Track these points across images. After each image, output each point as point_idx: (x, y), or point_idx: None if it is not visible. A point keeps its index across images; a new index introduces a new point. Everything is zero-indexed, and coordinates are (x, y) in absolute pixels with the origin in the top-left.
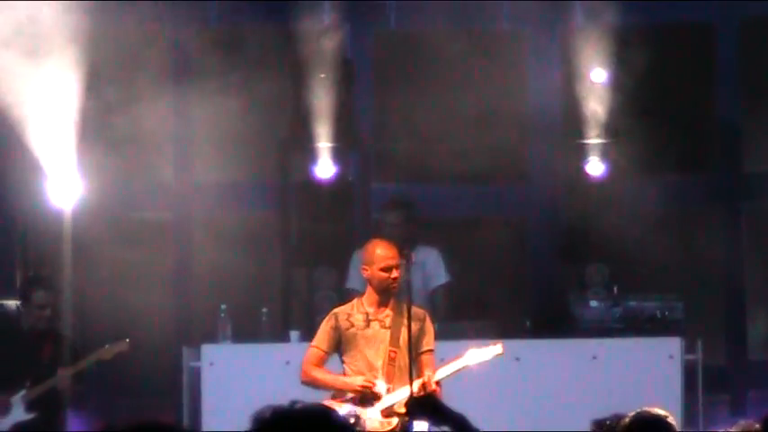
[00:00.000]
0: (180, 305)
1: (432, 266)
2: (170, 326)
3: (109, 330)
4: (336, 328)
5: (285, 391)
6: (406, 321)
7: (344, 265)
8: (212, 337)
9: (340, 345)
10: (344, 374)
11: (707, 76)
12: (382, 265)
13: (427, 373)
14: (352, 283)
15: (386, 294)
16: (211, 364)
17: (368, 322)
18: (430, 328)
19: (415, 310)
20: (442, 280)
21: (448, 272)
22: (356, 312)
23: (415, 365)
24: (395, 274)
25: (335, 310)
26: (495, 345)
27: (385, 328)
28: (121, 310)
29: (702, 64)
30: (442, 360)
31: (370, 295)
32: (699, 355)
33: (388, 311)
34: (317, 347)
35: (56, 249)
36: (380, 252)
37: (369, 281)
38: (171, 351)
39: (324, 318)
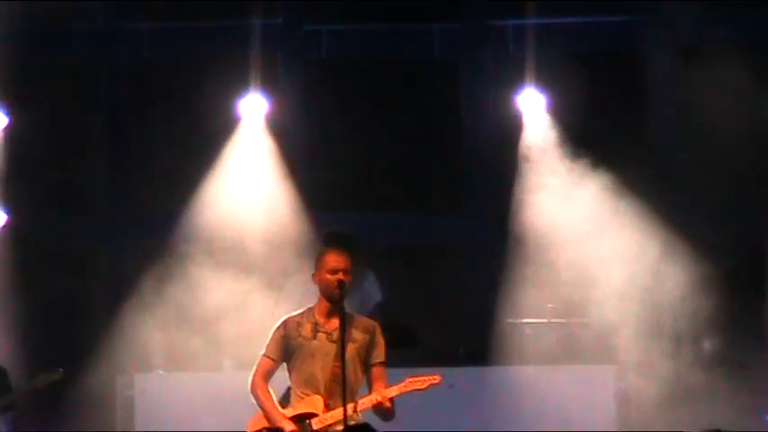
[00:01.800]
0: (113, 334)
1: (368, 287)
2: (103, 355)
3: (42, 359)
4: (285, 337)
5: (218, 420)
6: (353, 336)
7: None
8: (145, 366)
9: (289, 353)
10: (290, 390)
11: (640, 103)
12: (329, 266)
13: (380, 391)
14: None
15: (332, 302)
16: (144, 392)
17: (315, 333)
18: (380, 340)
19: (365, 321)
20: (378, 299)
21: (382, 292)
22: (305, 321)
23: (366, 378)
24: (341, 277)
25: (286, 317)
26: (433, 376)
27: (332, 341)
28: (55, 338)
29: (635, 92)
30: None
31: (320, 304)
32: (633, 383)
33: (336, 324)
34: (266, 357)
35: None
36: (329, 256)
37: (318, 286)
38: (104, 380)
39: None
